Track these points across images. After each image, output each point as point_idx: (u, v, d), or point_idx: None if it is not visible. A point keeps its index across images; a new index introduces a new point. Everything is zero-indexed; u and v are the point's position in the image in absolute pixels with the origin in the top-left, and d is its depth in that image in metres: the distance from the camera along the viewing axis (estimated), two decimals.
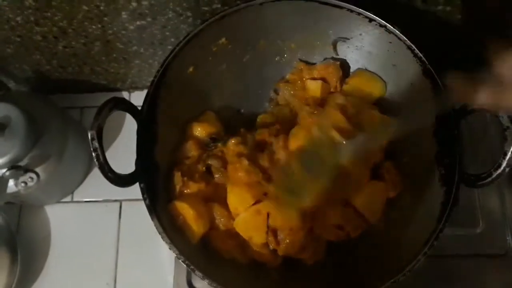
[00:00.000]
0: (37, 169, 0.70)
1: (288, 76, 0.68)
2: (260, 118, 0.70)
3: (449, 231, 0.61)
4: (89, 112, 0.87)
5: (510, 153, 0.47)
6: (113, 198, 0.80)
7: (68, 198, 0.81)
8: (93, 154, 0.51)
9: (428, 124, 0.57)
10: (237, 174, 0.60)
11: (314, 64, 0.69)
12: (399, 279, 0.50)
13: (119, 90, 0.87)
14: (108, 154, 0.80)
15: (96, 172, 0.81)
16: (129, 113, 0.57)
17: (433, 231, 0.51)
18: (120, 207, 0.80)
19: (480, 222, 0.64)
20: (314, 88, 0.66)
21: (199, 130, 0.66)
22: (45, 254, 0.78)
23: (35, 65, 0.78)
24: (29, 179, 0.69)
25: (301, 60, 0.69)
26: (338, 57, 0.68)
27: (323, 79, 0.67)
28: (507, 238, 0.63)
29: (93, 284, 0.75)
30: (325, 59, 0.69)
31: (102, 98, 0.56)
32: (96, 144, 0.51)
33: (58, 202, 0.81)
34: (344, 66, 0.68)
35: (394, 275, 0.50)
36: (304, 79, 0.68)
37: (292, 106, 0.68)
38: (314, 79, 0.67)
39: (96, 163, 0.52)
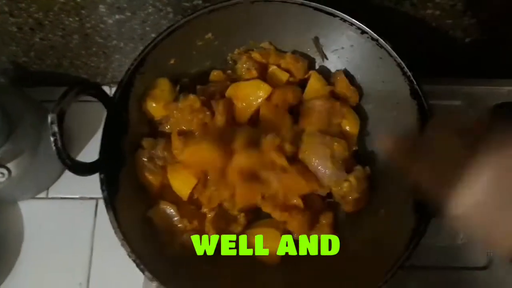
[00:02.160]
0: (9, 165, 0.68)
1: (253, 54, 0.65)
2: (213, 75, 0.67)
3: (430, 242, 0.61)
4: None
5: None
6: (89, 196, 0.78)
7: (43, 194, 0.79)
8: (51, 138, 0.48)
9: None
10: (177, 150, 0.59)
11: (284, 52, 0.67)
12: None
13: (100, 84, 0.85)
14: (88, 146, 0.80)
15: None
16: (98, 99, 0.55)
17: (398, 259, 0.49)
18: (96, 205, 0.78)
19: (461, 234, 0.63)
20: (280, 78, 0.64)
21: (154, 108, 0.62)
22: (17, 251, 0.75)
23: (12, 56, 0.76)
24: (0, 175, 0.67)
25: (271, 43, 0.67)
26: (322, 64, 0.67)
27: (289, 71, 0.65)
28: (488, 251, 0.62)
29: (65, 283, 0.73)
30: (293, 51, 0.67)
31: None
32: (55, 128, 0.48)
33: (33, 198, 0.78)
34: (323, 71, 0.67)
35: None
36: (269, 63, 0.65)
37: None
38: (278, 66, 0.65)
39: (54, 148, 0.49)
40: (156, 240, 0.57)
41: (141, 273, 0.69)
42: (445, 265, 0.61)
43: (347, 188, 0.57)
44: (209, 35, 0.63)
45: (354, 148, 0.61)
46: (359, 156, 0.62)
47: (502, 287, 0.60)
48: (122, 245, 0.51)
